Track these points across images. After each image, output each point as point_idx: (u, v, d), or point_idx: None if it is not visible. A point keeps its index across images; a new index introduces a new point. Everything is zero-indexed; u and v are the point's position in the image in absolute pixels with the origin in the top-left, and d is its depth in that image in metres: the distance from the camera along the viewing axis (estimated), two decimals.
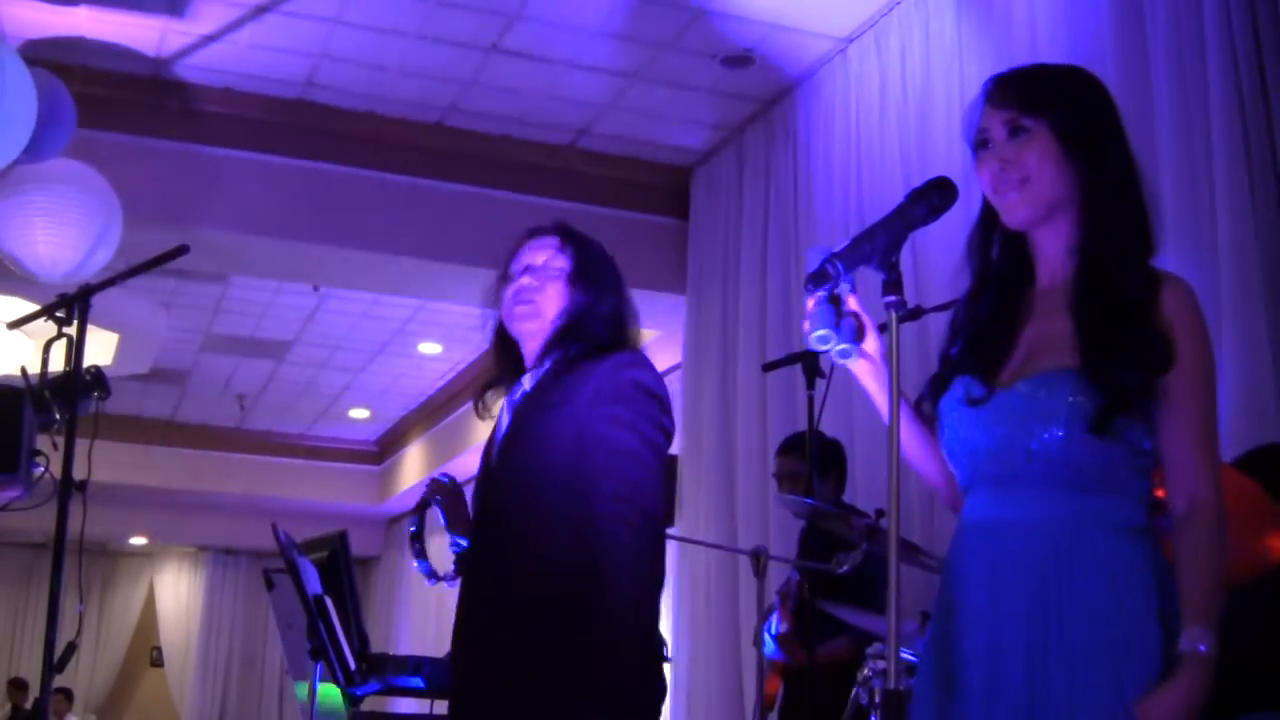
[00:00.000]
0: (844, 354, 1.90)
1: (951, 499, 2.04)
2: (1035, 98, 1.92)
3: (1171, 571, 1.80)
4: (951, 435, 1.94)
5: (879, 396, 2.00)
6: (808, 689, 3.64)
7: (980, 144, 1.95)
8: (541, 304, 2.42)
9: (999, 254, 2.01)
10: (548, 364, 2.38)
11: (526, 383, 2.41)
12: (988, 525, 1.88)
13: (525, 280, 2.44)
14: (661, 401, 2.28)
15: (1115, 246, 1.87)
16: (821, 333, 1.85)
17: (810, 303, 1.84)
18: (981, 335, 1.96)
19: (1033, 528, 1.83)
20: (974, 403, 1.90)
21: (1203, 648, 1.70)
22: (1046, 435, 1.81)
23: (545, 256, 2.46)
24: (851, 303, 1.89)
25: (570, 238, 2.50)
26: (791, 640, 3.92)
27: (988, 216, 2.00)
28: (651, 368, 2.33)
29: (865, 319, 1.93)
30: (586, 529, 2.16)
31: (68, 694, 12.53)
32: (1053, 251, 1.94)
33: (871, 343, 1.95)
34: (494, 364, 2.55)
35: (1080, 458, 1.80)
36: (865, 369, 1.97)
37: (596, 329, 2.38)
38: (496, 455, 2.37)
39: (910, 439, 2.04)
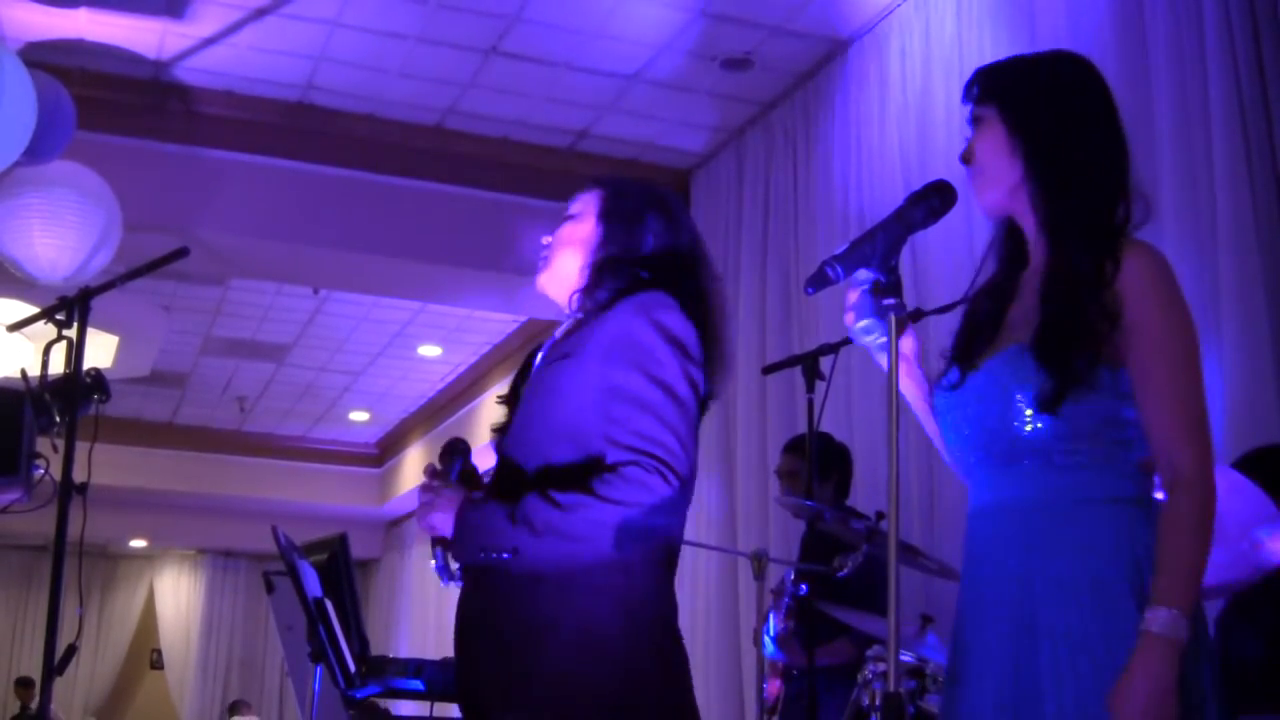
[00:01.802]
0: (885, 346, 1.88)
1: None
2: (987, 87, 1.96)
3: None
4: (941, 424, 1.96)
5: (911, 396, 2.03)
6: (808, 690, 3.63)
7: None
8: (555, 256, 2.26)
9: (998, 244, 2.03)
10: (578, 312, 2.20)
11: (558, 331, 2.24)
12: (979, 512, 1.90)
13: (545, 241, 2.30)
14: (685, 349, 2.05)
15: (1070, 223, 1.86)
16: (866, 323, 1.85)
17: (854, 295, 1.85)
18: (971, 322, 1.99)
19: (1011, 511, 1.83)
20: (953, 388, 1.92)
21: (1154, 628, 1.65)
22: (1009, 414, 1.82)
23: (571, 208, 2.30)
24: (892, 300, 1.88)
25: (600, 183, 2.31)
26: (790, 640, 3.92)
27: (1003, 221, 2.03)
28: (677, 310, 2.08)
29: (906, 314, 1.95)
30: (591, 486, 1.97)
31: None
32: (1030, 233, 1.96)
33: (907, 343, 1.99)
34: None
35: (1045, 433, 1.79)
36: (905, 371, 2.01)
37: (626, 270, 2.16)
38: (518, 405, 2.19)
39: (931, 427, 2.06)
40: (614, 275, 2.16)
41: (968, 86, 1.98)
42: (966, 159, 1.96)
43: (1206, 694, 1.72)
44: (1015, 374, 1.82)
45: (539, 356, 2.25)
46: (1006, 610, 1.80)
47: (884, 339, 1.87)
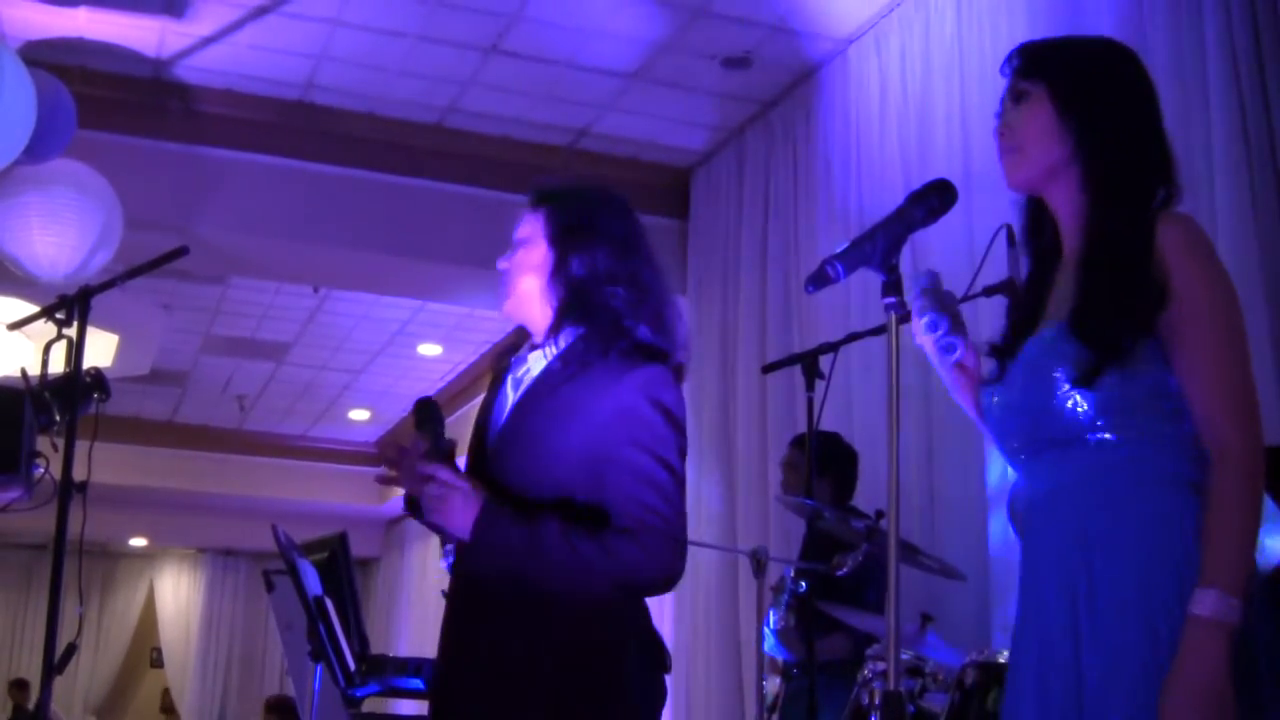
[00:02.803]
0: (949, 347, 1.92)
1: None
2: (1035, 62, 1.92)
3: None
4: (987, 421, 1.94)
5: (968, 407, 2.03)
6: (808, 688, 3.64)
7: (1001, 113, 1.95)
8: (514, 284, 2.21)
9: (1030, 235, 2.00)
10: (558, 346, 2.16)
11: (534, 365, 2.18)
12: (1028, 502, 1.86)
13: (502, 264, 2.26)
14: (683, 429, 2.11)
15: (1116, 206, 1.83)
16: (930, 318, 1.88)
17: (915, 299, 1.88)
18: (1012, 317, 1.97)
19: (1061, 498, 1.79)
20: (994, 381, 1.90)
21: (1202, 611, 1.60)
22: (1050, 396, 1.78)
23: (519, 232, 2.24)
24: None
25: (544, 198, 2.24)
26: (790, 635, 3.93)
27: (1028, 200, 1.99)
28: (677, 389, 2.12)
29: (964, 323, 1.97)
30: (610, 543, 2.02)
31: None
32: (1064, 218, 1.92)
33: (970, 355, 1.99)
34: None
35: (1091, 410, 1.75)
36: (963, 382, 2.01)
37: (601, 301, 2.13)
38: (495, 438, 2.17)
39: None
40: (597, 319, 2.13)
41: (1010, 59, 1.94)
42: (1004, 133, 1.91)
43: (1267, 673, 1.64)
44: (1053, 353, 1.79)
45: (508, 384, 2.22)
46: (1063, 599, 1.75)
47: (944, 339, 1.91)
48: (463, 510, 2.02)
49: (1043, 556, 1.81)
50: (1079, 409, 1.76)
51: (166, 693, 13.62)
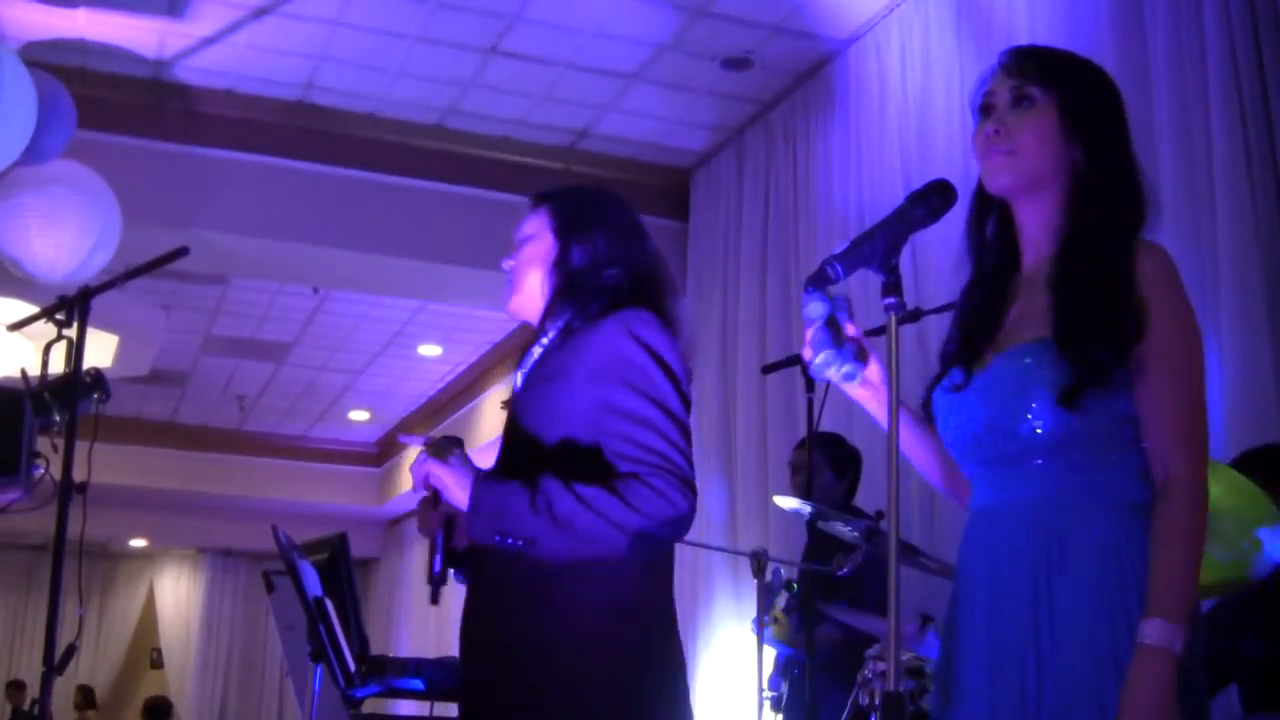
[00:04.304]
0: (848, 376, 1.90)
1: (958, 495, 2.02)
2: (1047, 71, 1.90)
3: None
4: (944, 426, 1.93)
5: (884, 419, 1.99)
6: (808, 687, 3.64)
7: (984, 108, 1.93)
8: (521, 280, 2.27)
9: (990, 238, 1.98)
10: (551, 331, 2.21)
11: (535, 352, 2.24)
12: (987, 513, 1.86)
13: (507, 264, 2.31)
14: (671, 367, 2.08)
15: (1098, 228, 1.84)
16: (825, 355, 1.85)
17: (809, 332, 1.85)
18: (968, 324, 1.95)
19: (1025, 511, 1.80)
20: (957, 389, 1.89)
21: (1148, 640, 1.63)
22: (1026, 411, 1.78)
23: (523, 230, 2.32)
24: (850, 329, 1.89)
25: (544, 198, 2.32)
26: (783, 631, 3.93)
27: (980, 199, 1.98)
28: (659, 327, 2.11)
29: (866, 344, 1.93)
30: (615, 487, 1.98)
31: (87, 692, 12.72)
32: (1033, 231, 1.92)
33: (874, 369, 1.96)
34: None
35: (1063, 431, 1.76)
36: (868, 395, 1.98)
37: (593, 281, 2.18)
38: (509, 422, 2.19)
39: (908, 441, 2.03)
40: (584, 292, 2.17)
41: (1014, 58, 1.92)
42: (999, 131, 1.89)
43: (1205, 694, 1.70)
44: (1034, 369, 1.79)
45: (518, 379, 2.25)
46: (1024, 613, 1.76)
47: (846, 368, 1.87)
48: (460, 477, 2.05)
49: (999, 569, 1.81)
50: (1051, 427, 1.77)
51: (83, 689, 13.55)
